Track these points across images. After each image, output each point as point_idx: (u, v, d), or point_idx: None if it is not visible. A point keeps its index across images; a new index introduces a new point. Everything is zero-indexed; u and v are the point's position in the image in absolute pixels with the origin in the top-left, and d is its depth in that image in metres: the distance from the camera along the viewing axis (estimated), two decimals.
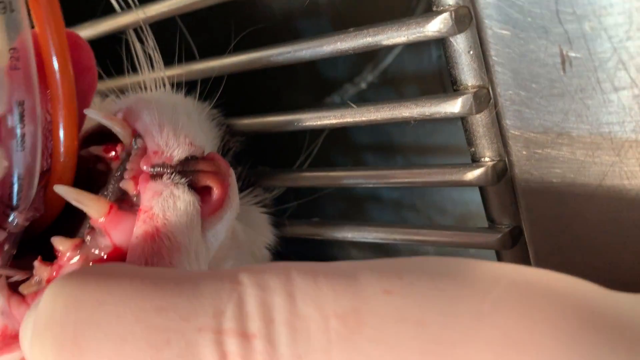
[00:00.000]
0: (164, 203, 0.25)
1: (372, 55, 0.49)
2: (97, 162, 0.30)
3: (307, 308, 0.18)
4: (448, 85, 0.30)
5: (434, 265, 0.19)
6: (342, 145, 0.52)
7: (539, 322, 0.17)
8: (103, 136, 0.30)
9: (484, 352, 0.16)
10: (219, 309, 0.18)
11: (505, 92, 0.25)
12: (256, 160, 0.36)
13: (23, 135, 0.25)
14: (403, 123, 0.51)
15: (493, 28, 0.24)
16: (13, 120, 0.25)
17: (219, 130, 0.34)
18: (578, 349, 0.16)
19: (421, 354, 0.17)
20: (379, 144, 0.53)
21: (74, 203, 0.25)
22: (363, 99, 0.49)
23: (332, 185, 0.33)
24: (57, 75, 0.25)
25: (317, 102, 0.50)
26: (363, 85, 0.50)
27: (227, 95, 0.35)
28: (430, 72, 0.48)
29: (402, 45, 0.47)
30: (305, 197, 0.40)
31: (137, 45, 0.32)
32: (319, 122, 0.31)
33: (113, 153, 0.29)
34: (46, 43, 0.26)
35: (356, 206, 0.55)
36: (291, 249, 0.38)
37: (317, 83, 0.52)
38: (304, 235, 0.36)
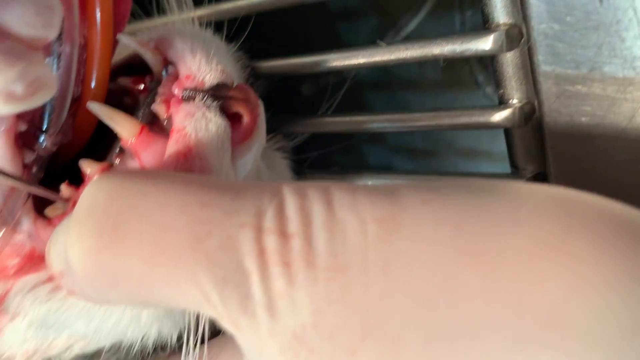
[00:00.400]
0: (197, 124, 0.25)
1: (394, 21, 0.49)
2: (123, 96, 0.30)
3: (344, 213, 0.18)
4: None
5: (470, 182, 0.19)
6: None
7: (575, 226, 0.17)
8: (130, 70, 0.31)
9: (520, 251, 0.16)
10: (261, 209, 0.19)
11: (539, 25, 0.25)
12: (278, 108, 0.36)
13: (59, 55, 0.25)
14: (422, 91, 0.52)
15: None
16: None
17: (244, 72, 0.34)
18: (614, 252, 0.16)
19: (458, 252, 0.17)
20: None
21: (106, 121, 0.25)
22: None
23: (357, 131, 0.33)
24: None
25: None
26: None
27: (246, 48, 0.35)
28: None
29: (426, 11, 0.48)
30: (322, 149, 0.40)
31: None
32: (347, 62, 0.31)
33: (142, 86, 0.29)
34: None
35: None
36: None
37: (334, 48, 0.52)
38: None
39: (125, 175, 0.20)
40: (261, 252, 0.18)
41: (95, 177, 0.21)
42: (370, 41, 0.50)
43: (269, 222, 0.18)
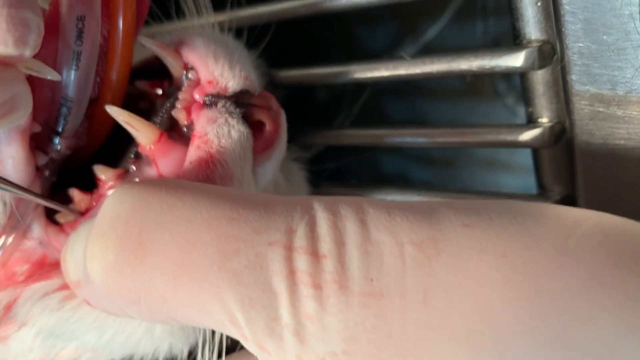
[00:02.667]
0: (219, 130, 0.24)
1: (413, 27, 0.48)
2: (139, 100, 0.30)
3: (380, 234, 0.17)
4: None
5: (511, 204, 0.18)
6: (376, 123, 0.51)
7: (625, 259, 0.16)
8: (147, 73, 0.30)
9: (569, 285, 0.16)
10: (291, 227, 0.18)
11: (574, 44, 0.24)
12: (291, 114, 0.36)
13: (79, 54, 0.24)
14: (440, 100, 0.51)
15: None
16: (71, 36, 0.24)
17: (263, 80, 0.33)
18: None
19: (503, 284, 0.16)
20: (413, 122, 0.52)
21: (125, 126, 0.24)
22: None
23: (377, 145, 0.32)
24: None
25: None
26: None
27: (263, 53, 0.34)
28: (474, 48, 0.47)
29: (447, 18, 0.47)
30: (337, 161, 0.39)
31: None
32: (369, 75, 0.30)
33: (160, 90, 0.29)
34: None
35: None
36: None
37: (353, 54, 0.51)
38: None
39: (150, 187, 0.20)
40: (291, 273, 0.17)
41: (118, 188, 0.20)
42: (388, 47, 0.50)
43: (300, 240, 0.18)
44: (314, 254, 0.17)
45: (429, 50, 0.47)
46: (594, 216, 0.17)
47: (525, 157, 0.47)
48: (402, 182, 0.54)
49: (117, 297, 0.19)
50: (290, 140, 0.35)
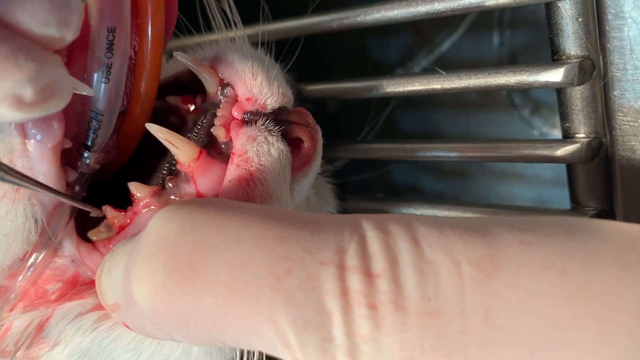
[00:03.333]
0: (259, 148, 0.24)
1: (428, 39, 0.48)
2: (169, 115, 0.29)
3: (434, 253, 0.17)
4: None
5: (567, 221, 0.18)
6: (388, 134, 0.51)
7: None
8: (177, 89, 0.29)
9: (635, 300, 0.15)
10: (342, 246, 0.18)
11: (619, 60, 0.24)
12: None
13: (109, 66, 0.24)
14: (453, 111, 0.51)
15: None
16: (101, 48, 0.24)
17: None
18: None
19: (566, 302, 0.16)
20: (425, 133, 0.52)
21: (165, 143, 0.24)
22: None
23: (404, 158, 0.32)
24: (150, 5, 0.24)
25: None
26: (416, 70, 0.49)
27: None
28: (490, 60, 0.47)
29: (463, 30, 0.47)
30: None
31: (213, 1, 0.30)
32: (402, 89, 0.30)
33: (192, 106, 0.28)
34: None
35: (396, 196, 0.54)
36: None
37: (366, 66, 0.51)
38: (367, 210, 0.35)
39: (198, 207, 0.19)
40: (344, 293, 0.17)
41: (164, 208, 0.20)
42: (402, 59, 0.49)
43: (352, 260, 0.17)
44: (367, 274, 0.17)
45: (443, 63, 0.47)
46: None
47: (540, 169, 0.47)
48: (414, 192, 0.54)
49: (165, 321, 0.19)
50: None
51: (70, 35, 0.21)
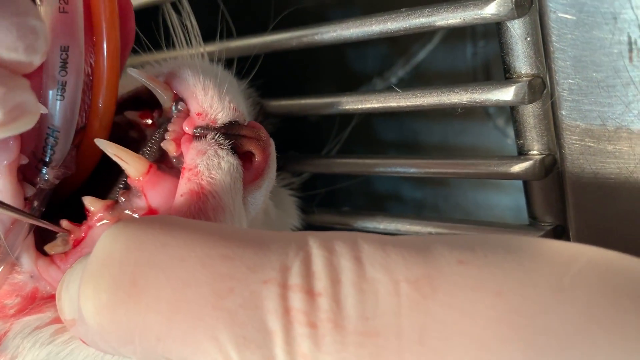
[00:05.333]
0: (209, 161, 0.24)
1: (404, 49, 0.48)
2: (129, 129, 0.30)
3: (375, 272, 0.17)
4: None
5: (506, 240, 0.18)
6: (366, 142, 0.52)
7: (622, 298, 0.16)
8: (137, 103, 0.30)
9: (565, 325, 0.16)
10: (286, 264, 0.18)
11: (564, 80, 0.24)
12: (285, 142, 0.35)
13: (64, 84, 0.24)
14: (431, 120, 0.51)
15: (557, 12, 0.24)
16: (54, 66, 0.24)
17: (254, 109, 0.33)
18: None
19: (499, 323, 0.16)
20: (404, 142, 0.52)
21: (114, 158, 0.24)
22: None
23: (365, 173, 0.32)
24: (104, 23, 0.24)
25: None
26: (393, 80, 0.49)
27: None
28: (464, 70, 0.47)
29: (437, 41, 0.47)
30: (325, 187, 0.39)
31: (175, 19, 0.31)
32: (360, 106, 0.30)
33: (150, 120, 0.28)
34: None
35: (376, 204, 0.54)
36: None
37: (344, 75, 0.51)
38: (332, 224, 0.35)
39: (144, 225, 0.19)
40: (286, 311, 0.17)
41: (112, 226, 0.20)
42: (379, 69, 0.50)
43: (295, 278, 0.17)
44: (309, 292, 0.17)
45: (420, 73, 0.48)
46: (589, 252, 0.17)
47: None
48: (394, 200, 0.54)
49: (111, 337, 0.19)
50: (281, 168, 0.35)
51: (37, 59, 0.22)
